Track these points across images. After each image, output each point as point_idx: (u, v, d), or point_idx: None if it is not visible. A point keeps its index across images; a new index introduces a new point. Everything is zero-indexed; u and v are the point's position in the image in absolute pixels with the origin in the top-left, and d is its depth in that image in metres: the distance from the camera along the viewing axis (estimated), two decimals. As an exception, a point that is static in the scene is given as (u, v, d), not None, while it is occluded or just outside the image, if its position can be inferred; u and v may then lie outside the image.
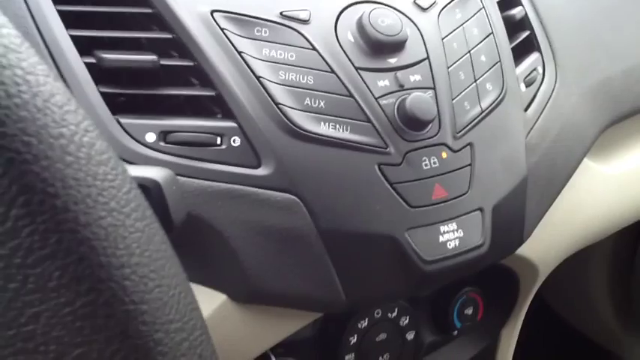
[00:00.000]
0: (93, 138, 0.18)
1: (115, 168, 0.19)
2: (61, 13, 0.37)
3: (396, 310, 0.49)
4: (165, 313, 0.18)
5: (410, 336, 0.50)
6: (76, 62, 0.36)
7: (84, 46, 0.37)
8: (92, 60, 0.37)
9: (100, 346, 0.18)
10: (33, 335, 0.17)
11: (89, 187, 0.18)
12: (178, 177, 0.36)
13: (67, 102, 0.18)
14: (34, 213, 0.17)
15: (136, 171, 0.24)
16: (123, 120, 0.36)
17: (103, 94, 0.36)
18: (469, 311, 0.53)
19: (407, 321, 0.50)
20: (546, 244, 0.52)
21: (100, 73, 0.37)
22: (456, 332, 0.53)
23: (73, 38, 0.37)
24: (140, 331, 0.18)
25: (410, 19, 0.43)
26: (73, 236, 0.17)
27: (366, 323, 0.48)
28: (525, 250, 0.49)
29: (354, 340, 0.48)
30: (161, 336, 0.18)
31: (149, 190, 0.24)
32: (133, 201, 0.19)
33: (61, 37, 0.37)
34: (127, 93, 0.37)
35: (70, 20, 0.37)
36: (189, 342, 0.19)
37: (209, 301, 0.39)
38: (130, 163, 0.35)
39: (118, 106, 0.37)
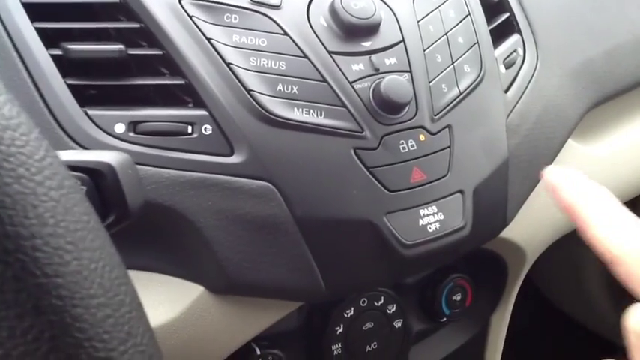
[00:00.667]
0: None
1: (27, 134, 0.18)
2: (25, 5, 0.37)
3: (383, 298, 0.48)
4: (84, 287, 0.17)
5: (398, 324, 0.50)
6: (41, 55, 0.36)
7: (52, 39, 0.37)
8: (59, 52, 0.36)
9: (10, 322, 0.17)
10: None
11: None
12: (149, 168, 0.35)
13: None
14: None
15: (89, 156, 0.23)
16: (91, 112, 0.36)
17: (70, 86, 0.36)
18: (457, 297, 0.52)
19: (394, 309, 0.49)
20: (532, 227, 0.51)
21: (68, 66, 0.36)
22: (444, 319, 0.53)
23: (39, 31, 0.36)
24: (55, 305, 0.17)
25: (384, 1, 0.42)
26: None
27: (352, 312, 0.47)
28: (510, 233, 0.49)
29: (340, 329, 0.47)
30: (80, 311, 0.17)
31: (103, 174, 0.23)
32: (48, 169, 0.18)
33: (26, 29, 0.36)
34: (95, 84, 0.37)
35: (35, 13, 0.37)
36: (115, 318, 0.18)
37: (186, 293, 0.38)
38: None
39: (87, 98, 0.36)
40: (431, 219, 0.40)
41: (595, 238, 0.27)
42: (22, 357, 0.17)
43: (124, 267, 0.19)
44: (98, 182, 0.22)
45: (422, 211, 0.40)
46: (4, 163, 0.17)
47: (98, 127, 0.35)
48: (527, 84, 0.49)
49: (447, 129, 0.41)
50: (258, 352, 0.44)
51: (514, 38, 0.51)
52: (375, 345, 0.49)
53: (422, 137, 0.40)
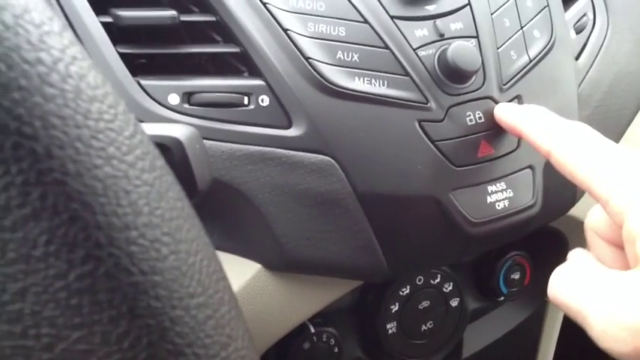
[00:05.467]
0: (84, 68, 0.15)
1: (114, 106, 0.15)
2: (73, -30, 0.35)
3: (439, 276, 0.46)
4: (183, 286, 0.15)
5: (454, 303, 0.48)
6: (92, 22, 0.34)
7: (100, 5, 0.35)
8: (109, 19, 0.34)
9: (103, 327, 0.14)
10: (20, 316, 0.14)
11: (79, 128, 0.14)
12: (204, 141, 0.33)
13: (47, 21, 0.14)
14: (7, 160, 0.13)
15: (155, 129, 0.21)
16: (144, 82, 0.34)
17: (121, 54, 0.34)
18: (516, 276, 0.50)
19: (450, 287, 0.47)
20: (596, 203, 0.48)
21: (118, 33, 0.35)
22: (502, 298, 0.51)
23: (89, -4, 0.35)
24: (153, 308, 0.14)
25: (448, -38, 0.39)
26: (61, 190, 0.14)
27: (407, 290, 0.45)
28: (575, 210, 0.46)
29: (395, 308, 0.45)
30: (180, 313, 0.15)
31: (170, 150, 0.21)
32: (139, 147, 0.15)
33: (75, -5, 0.34)
34: (147, 53, 0.35)
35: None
36: (216, 320, 0.15)
37: (242, 271, 0.37)
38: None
39: (137, 67, 0.35)
40: (499, 196, 0.37)
41: (534, 142, 0.32)
42: None
43: (218, 259, 0.17)
44: (164, 158, 0.21)
45: (490, 188, 0.37)
46: (93, 141, 0.14)
47: (152, 97, 0.34)
48: (599, 50, 0.46)
49: (516, 99, 0.39)
50: (312, 330, 0.43)
51: (584, 1, 0.47)
52: (430, 324, 0.47)
53: (490, 108, 0.37)
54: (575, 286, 0.27)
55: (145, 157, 0.15)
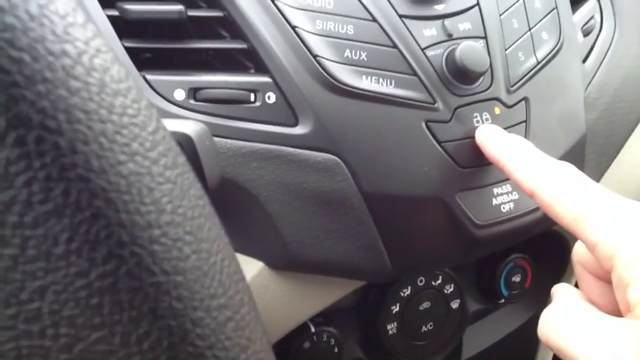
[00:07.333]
0: (107, 61, 0.14)
1: (137, 101, 0.15)
2: (80, -38, 0.34)
3: (441, 277, 0.46)
4: (205, 287, 0.14)
5: (455, 305, 0.48)
6: (97, 15, 0.34)
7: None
8: (115, 12, 0.34)
9: (123, 328, 0.14)
10: (38, 315, 0.14)
11: (103, 123, 0.14)
12: (210, 137, 0.33)
13: (71, 12, 0.14)
14: (31, 155, 0.13)
15: (165, 125, 0.21)
16: (149, 76, 0.34)
17: (127, 48, 0.34)
18: (517, 279, 0.50)
19: (452, 289, 0.47)
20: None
21: (124, 27, 0.34)
22: (502, 301, 0.50)
23: (95, -11, 0.34)
24: (174, 308, 0.14)
25: (458, -39, 0.39)
26: (84, 186, 0.13)
27: (409, 291, 0.45)
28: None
29: (396, 308, 0.45)
30: (201, 315, 0.14)
31: (180, 146, 0.20)
32: (161, 143, 0.15)
33: (82, -13, 0.34)
34: (153, 47, 0.35)
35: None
36: (236, 322, 0.15)
37: (246, 269, 0.36)
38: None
39: (143, 62, 0.34)
40: (504, 198, 0.37)
41: (517, 178, 0.31)
42: None
43: (237, 259, 0.17)
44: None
45: (495, 190, 0.37)
46: (117, 137, 0.14)
47: (157, 92, 0.33)
48: (606, 53, 0.46)
49: (523, 101, 0.38)
50: (313, 329, 0.43)
51: (591, 3, 0.47)
52: (431, 325, 0.47)
53: (497, 110, 0.37)
54: (567, 331, 0.26)
55: (167, 154, 0.15)
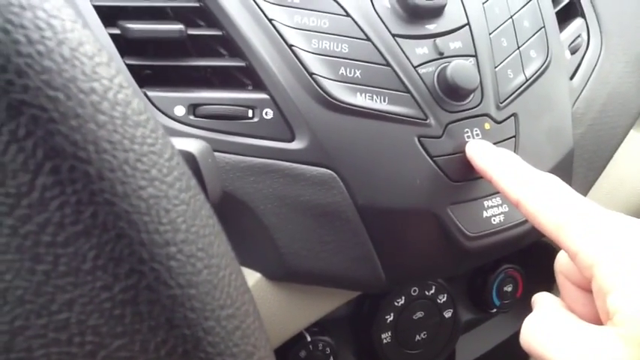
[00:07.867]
0: (129, 95, 0.16)
1: (155, 131, 0.16)
2: (83, -18, 0.36)
3: (434, 287, 0.47)
4: (215, 298, 0.16)
5: (448, 314, 0.49)
6: (100, 33, 0.35)
7: (108, 17, 0.36)
8: (117, 31, 0.35)
9: (142, 336, 0.15)
10: (66, 325, 0.15)
11: (126, 152, 0.15)
12: (209, 152, 0.34)
13: (97, 52, 0.15)
14: (64, 182, 0.15)
15: (169, 143, 0.22)
16: (150, 93, 0.35)
17: (128, 66, 0.35)
18: (508, 289, 0.51)
19: (444, 299, 0.48)
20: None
21: (125, 45, 0.35)
22: (494, 310, 0.51)
23: (97, 9, 0.35)
24: (188, 318, 0.16)
25: (449, -18, 0.40)
26: (110, 209, 0.15)
27: (402, 301, 0.46)
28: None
29: (390, 318, 0.46)
30: (212, 324, 0.16)
31: None
32: (176, 169, 0.16)
33: (84, 7, 0.35)
34: (154, 65, 0.36)
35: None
36: (242, 330, 0.16)
37: (243, 280, 0.37)
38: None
39: (144, 79, 0.35)
40: (495, 211, 0.38)
41: (503, 189, 0.32)
42: None
43: (242, 273, 0.18)
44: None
45: (486, 203, 0.38)
46: (138, 164, 0.16)
47: (158, 108, 0.34)
48: (592, 70, 0.47)
49: (512, 117, 0.40)
50: (309, 338, 0.44)
51: (578, 22, 0.49)
52: (424, 335, 0.48)
53: (487, 126, 0.39)
54: (548, 340, 0.27)
55: (182, 178, 0.16)
